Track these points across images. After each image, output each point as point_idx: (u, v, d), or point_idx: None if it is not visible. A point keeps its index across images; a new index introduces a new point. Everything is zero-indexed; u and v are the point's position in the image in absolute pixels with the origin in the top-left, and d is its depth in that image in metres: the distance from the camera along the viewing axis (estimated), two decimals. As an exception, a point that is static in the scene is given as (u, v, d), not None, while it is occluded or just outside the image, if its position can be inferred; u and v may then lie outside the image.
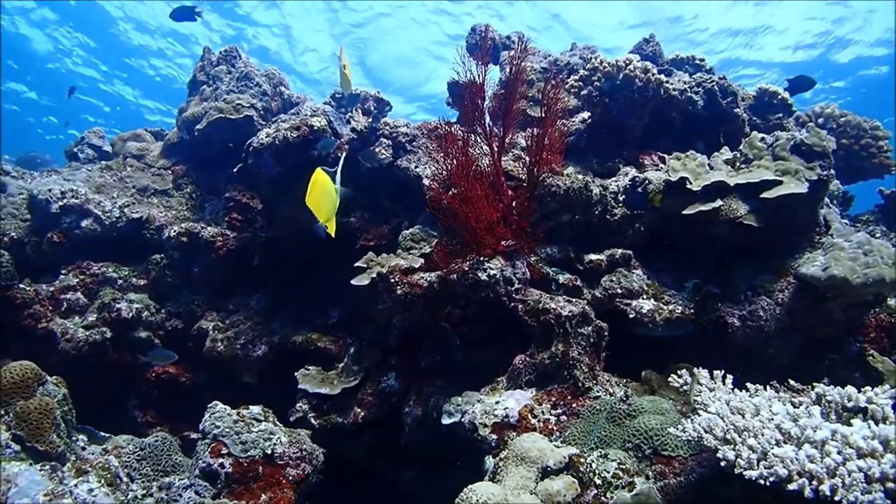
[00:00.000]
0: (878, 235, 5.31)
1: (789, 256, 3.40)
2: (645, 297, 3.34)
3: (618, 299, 3.34)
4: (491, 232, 3.11)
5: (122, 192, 5.23)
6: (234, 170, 4.64)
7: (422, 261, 3.47)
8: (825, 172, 3.29)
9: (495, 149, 3.30)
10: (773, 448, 1.78)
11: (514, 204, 3.32)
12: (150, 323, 4.79)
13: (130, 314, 4.65)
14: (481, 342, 3.35)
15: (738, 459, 1.82)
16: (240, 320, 4.68)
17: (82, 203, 4.85)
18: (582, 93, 3.77)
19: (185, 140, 5.41)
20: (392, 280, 3.34)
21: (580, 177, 3.43)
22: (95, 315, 4.60)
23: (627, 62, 3.66)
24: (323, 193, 2.74)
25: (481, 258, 3.14)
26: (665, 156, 3.89)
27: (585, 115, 4.12)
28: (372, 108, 4.85)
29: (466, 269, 3.11)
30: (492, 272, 3.09)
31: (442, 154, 3.26)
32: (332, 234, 2.82)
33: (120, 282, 4.86)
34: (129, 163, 5.48)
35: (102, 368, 4.59)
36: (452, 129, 3.22)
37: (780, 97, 4.77)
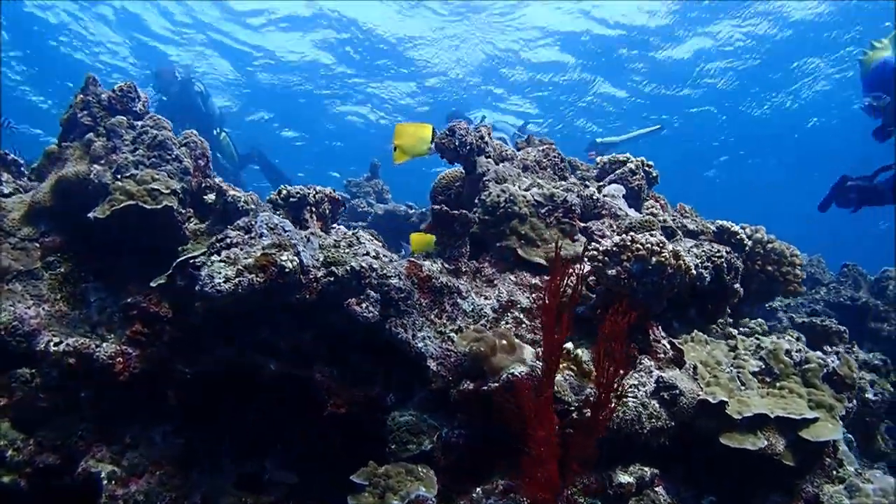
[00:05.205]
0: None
1: (800, 477, 3.36)
2: (671, 526, 3.11)
3: (646, 530, 3.07)
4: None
5: (-30, 274, 3.89)
6: (154, 284, 3.62)
7: (435, 482, 2.91)
8: (851, 405, 3.26)
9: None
10: None
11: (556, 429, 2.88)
12: (15, 462, 3.66)
13: (-14, 459, 3.51)
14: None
15: None
16: (144, 466, 3.72)
17: (-86, 300, 3.54)
18: (609, 272, 3.38)
19: (62, 204, 4.13)
20: (410, 520, 2.75)
21: (630, 403, 3.07)
22: (-64, 459, 3.42)
23: (661, 246, 3.33)
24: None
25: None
26: (670, 338, 3.66)
27: (587, 266, 3.75)
28: (326, 211, 4.03)
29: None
30: (542, 534, 2.64)
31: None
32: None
33: (-31, 406, 3.65)
34: (-22, 228, 4.09)
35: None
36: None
37: (737, 237, 4.75)
